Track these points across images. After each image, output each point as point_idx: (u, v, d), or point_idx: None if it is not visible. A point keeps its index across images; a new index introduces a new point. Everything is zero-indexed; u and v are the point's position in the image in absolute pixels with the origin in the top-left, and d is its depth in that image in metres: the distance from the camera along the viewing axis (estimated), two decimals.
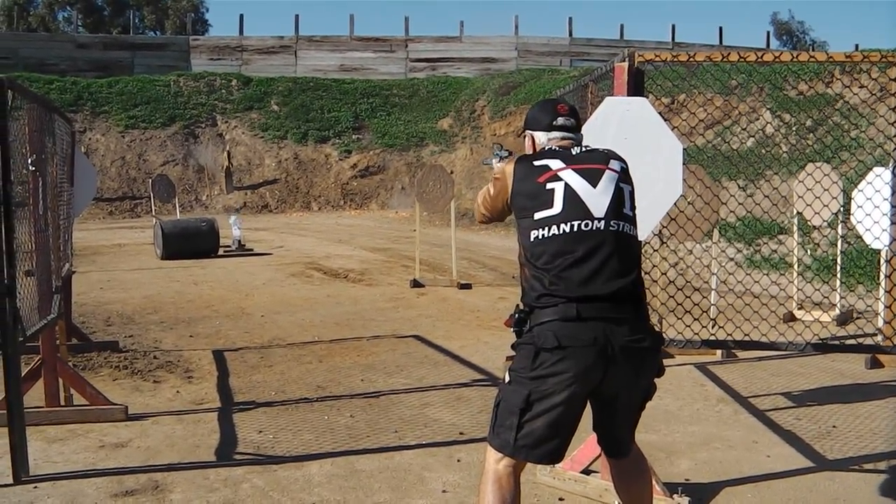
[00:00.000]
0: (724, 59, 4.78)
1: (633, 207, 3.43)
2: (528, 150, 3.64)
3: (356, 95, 30.99)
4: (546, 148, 3.53)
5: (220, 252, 16.38)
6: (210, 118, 29.25)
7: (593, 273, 3.19)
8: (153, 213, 20.79)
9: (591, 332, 3.12)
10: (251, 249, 17.03)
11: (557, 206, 3.26)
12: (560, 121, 3.61)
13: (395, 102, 30.51)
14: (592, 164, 3.38)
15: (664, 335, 3.95)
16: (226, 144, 28.20)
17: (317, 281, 13.07)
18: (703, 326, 7.36)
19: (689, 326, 6.53)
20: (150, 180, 22.20)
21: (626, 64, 4.60)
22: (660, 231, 5.63)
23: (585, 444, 4.81)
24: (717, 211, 7.73)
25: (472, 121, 28.57)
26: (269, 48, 33.89)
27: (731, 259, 11.80)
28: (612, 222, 3.28)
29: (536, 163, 3.39)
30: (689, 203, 5.31)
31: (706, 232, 7.53)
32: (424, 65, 34.19)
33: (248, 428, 6.05)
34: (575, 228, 3.24)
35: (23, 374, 5.52)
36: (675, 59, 4.89)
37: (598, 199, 3.29)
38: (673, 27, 36.80)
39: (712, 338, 7.70)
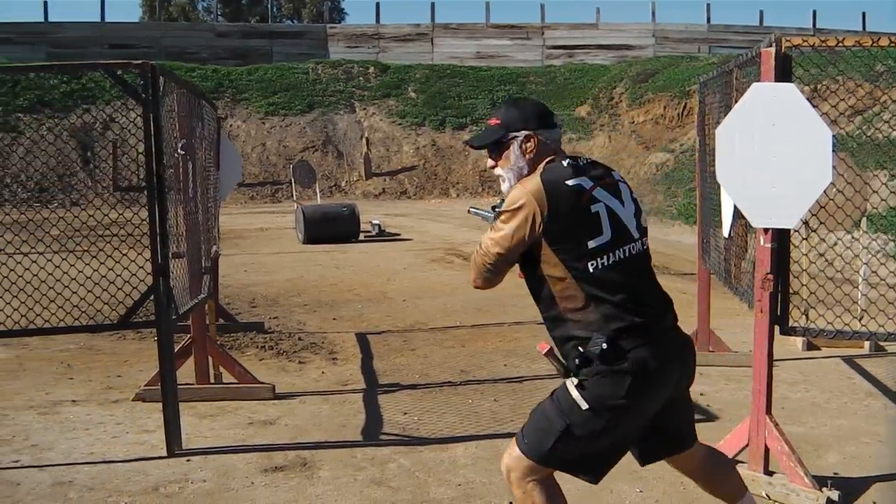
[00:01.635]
0: (874, 44, 4.48)
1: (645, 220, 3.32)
2: (528, 157, 3.19)
3: (493, 83, 30.89)
4: (566, 163, 3.13)
5: (361, 237, 16.55)
6: (348, 105, 29.62)
7: (649, 292, 3.12)
8: (294, 199, 21.19)
9: (671, 348, 3.09)
10: (394, 234, 17.16)
11: (607, 232, 3.02)
12: (553, 114, 3.31)
13: (531, 90, 30.27)
14: (608, 179, 3.14)
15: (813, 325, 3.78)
16: (364, 131, 28.52)
17: (457, 266, 13.05)
18: (853, 317, 7.01)
19: (839, 317, 6.23)
20: (291, 166, 22.64)
21: (772, 49, 4.36)
22: (806, 221, 5.34)
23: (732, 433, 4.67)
24: (866, 200, 7.35)
25: (610, 108, 28.13)
26: (406, 36, 34.09)
27: (881, 250, 11.26)
28: (642, 240, 3.16)
29: (570, 182, 3.03)
30: (837, 191, 5.01)
31: (855, 221, 7.16)
32: (561, 52, 33.80)
33: (392, 409, 6.06)
34: (626, 254, 3.05)
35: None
36: (824, 45, 4.62)
37: (630, 217, 3.11)
38: (814, 13, 35.37)
39: (863, 329, 7.35)
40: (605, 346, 2.95)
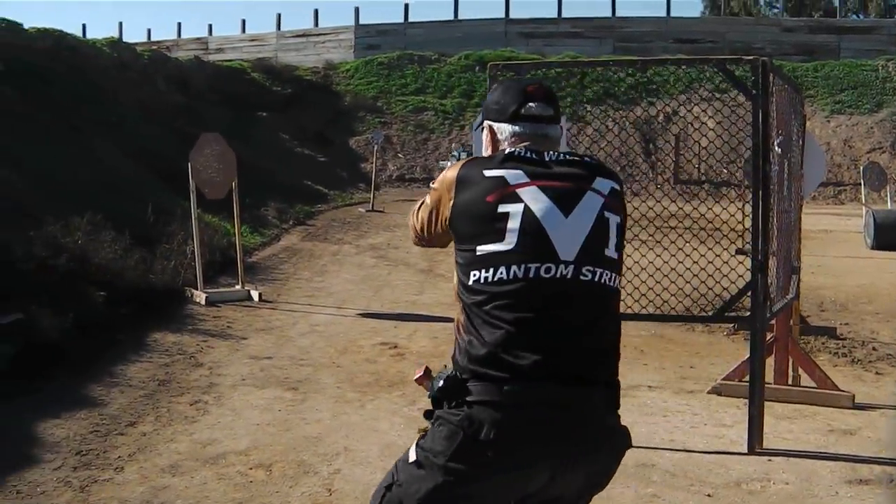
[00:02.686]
0: None
1: (618, 247, 2.47)
2: (487, 151, 2.64)
3: None
4: (509, 151, 2.51)
5: None
6: None
7: (553, 339, 2.31)
8: (862, 202, 20.09)
9: (542, 429, 2.27)
10: None
11: (510, 240, 2.34)
12: (532, 108, 2.56)
13: None
14: (568, 181, 2.44)
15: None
16: None
17: None
18: None
19: None
20: (861, 168, 21.47)
21: None
22: None
23: None
24: None
25: None
26: None
27: None
28: (584, 269, 2.37)
29: (489, 172, 2.43)
30: None
31: None
32: None
33: None
34: (531, 275, 2.33)
35: None
36: None
37: (568, 233, 2.38)
38: None
39: None
40: (442, 382, 2.35)
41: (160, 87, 17.97)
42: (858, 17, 46.19)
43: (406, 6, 31.83)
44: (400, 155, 24.81)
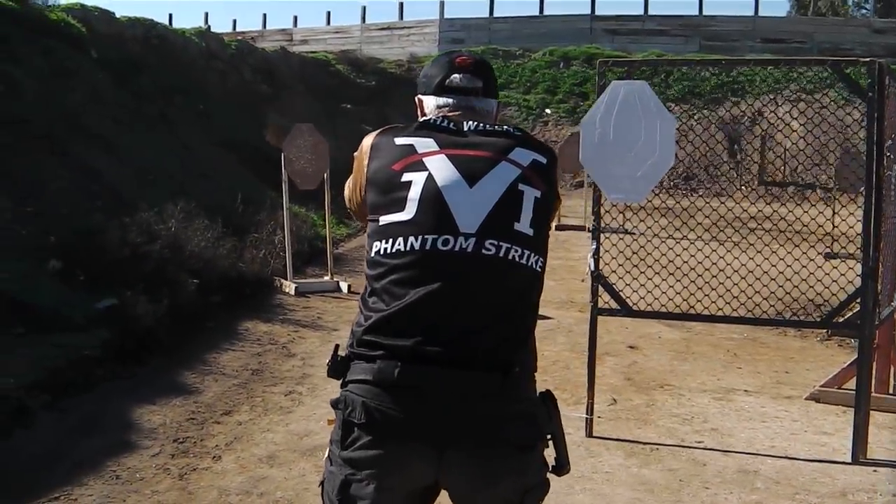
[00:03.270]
0: None
1: (536, 223, 2.21)
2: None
3: None
4: (425, 119, 2.35)
5: None
6: None
7: (439, 318, 2.09)
8: None
9: (414, 409, 2.07)
10: None
11: (409, 210, 2.17)
12: (455, 79, 2.39)
13: None
14: (481, 150, 2.24)
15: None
16: None
17: None
18: None
19: None
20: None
21: None
22: None
23: None
24: None
25: None
26: None
27: None
28: (487, 243, 2.14)
29: (399, 140, 2.27)
30: None
31: None
32: None
33: None
34: (428, 246, 2.14)
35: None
36: None
37: (471, 204, 2.17)
38: None
39: None
40: (332, 357, 2.20)
41: (246, 76, 18.13)
42: None
43: (491, 1, 31.37)
44: None
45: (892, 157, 5.73)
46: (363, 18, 31.95)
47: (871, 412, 5.88)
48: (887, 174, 5.37)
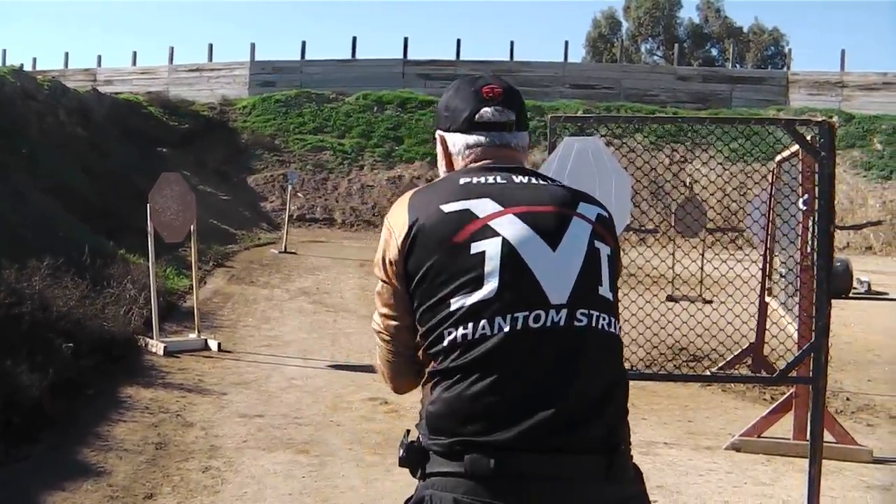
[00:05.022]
0: None
1: (613, 284, 2.04)
2: (442, 167, 2.21)
3: None
4: (464, 175, 2.05)
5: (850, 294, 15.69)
6: None
7: (538, 401, 1.86)
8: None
9: (518, 501, 1.84)
10: (881, 293, 16.13)
11: (490, 286, 1.88)
12: (486, 113, 2.08)
13: None
14: (550, 205, 1.99)
15: None
16: None
17: None
18: None
19: None
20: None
21: None
22: None
23: None
24: None
25: None
26: (872, 84, 32.21)
27: None
28: (578, 313, 1.92)
29: (449, 207, 1.95)
30: None
31: None
32: None
33: None
34: (519, 325, 1.88)
35: None
36: None
37: (557, 270, 1.93)
38: None
39: None
40: (402, 451, 1.96)
41: (62, 118, 17.08)
42: (736, 66, 48.07)
43: (303, 43, 31.12)
44: (300, 194, 24.25)
45: (806, 210, 5.91)
46: (171, 59, 30.94)
47: (794, 459, 6.01)
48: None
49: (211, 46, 32.49)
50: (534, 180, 2.04)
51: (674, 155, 26.34)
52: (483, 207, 1.94)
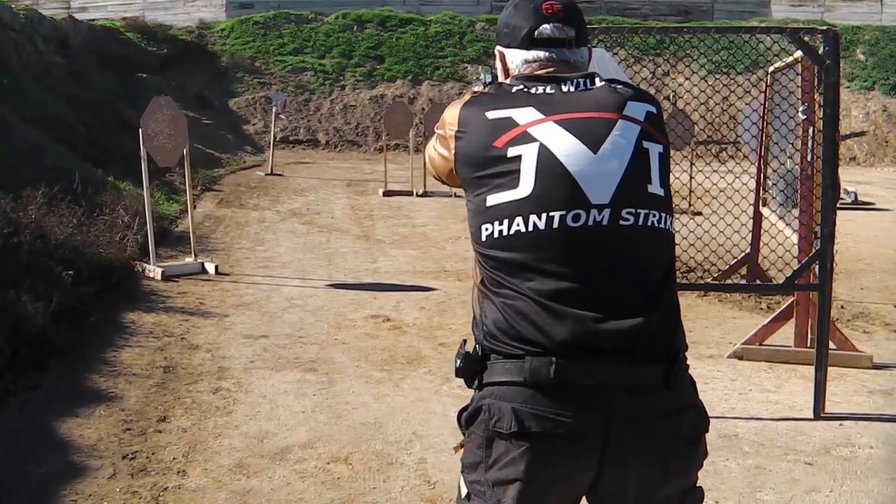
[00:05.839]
0: None
1: (664, 181, 2.04)
2: (504, 79, 2.21)
3: None
4: (518, 83, 2.08)
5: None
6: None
7: (588, 304, 1.88)
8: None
9: (579, 413, 1.87)
10: (867, 203, 16.22)
11: (526, 186, 1.92)
12: (546, 29, 2.09)
13: None
14: (594, 111, 2.00)
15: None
16: None
17: None
18: None
19: None
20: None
21: None
22: None
23: None
24: None
25: None
26: None
27: None
28: (624, 212, 1.93)
29: (493, 114, 2.01)
30: None
31: None
32: None
33: None
34: (555, 225, 1.90)
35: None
36: None
37: (600, 171, 1.94)
38: None
39: None
40: (459, 362, 1.98)
41: (40, 47, 16.75)
42: None
43: None
44: (282, 116, 23.98)
45: (807, 119, 5.89)
46: None
47: (796, 366, 6.09)
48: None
49: None
50: (581, 87, 2.04)
51: (657, 70, 26.24)
52: (525, 115, 1.97)
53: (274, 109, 19.28)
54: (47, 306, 5.76)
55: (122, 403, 5.05)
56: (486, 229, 1.95)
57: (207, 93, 23.73)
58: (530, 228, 1.90)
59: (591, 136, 1.95)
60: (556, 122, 1.96)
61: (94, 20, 24.85)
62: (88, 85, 17.05)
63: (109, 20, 25.25)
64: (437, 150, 2.16)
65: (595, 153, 1.94)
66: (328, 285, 8.27)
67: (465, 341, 2.01)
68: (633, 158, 1.97)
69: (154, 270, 8.15)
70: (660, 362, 1.91)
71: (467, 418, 1.98)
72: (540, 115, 1.97)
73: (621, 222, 1.92)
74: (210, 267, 8.55)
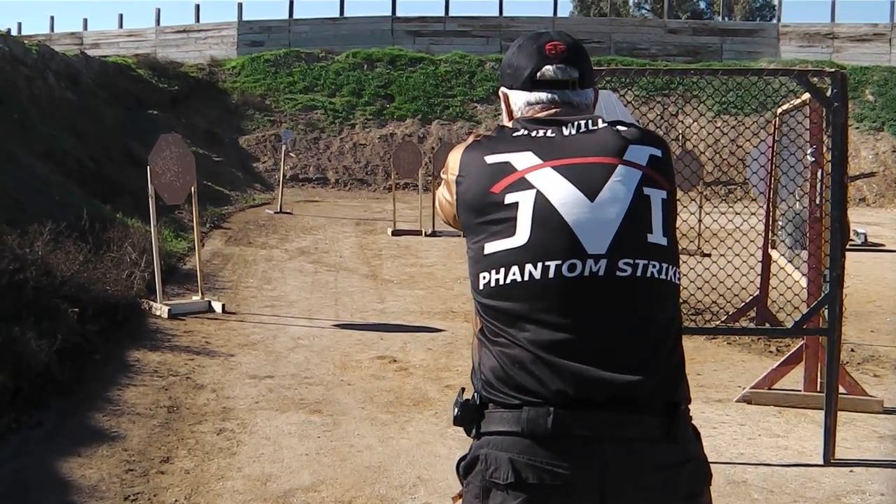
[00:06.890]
0: None
1: (668, 229, 1.97)
2: (506, 123, 2.17)
3: None
4: (520, 126, 2.04)
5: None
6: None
7: (583, 356, 1.84)
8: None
9: (576, 464, 1.83)
10: (877, 244, 16.17)
11: (522, 234, 1.89)
12: (548, 71, 2.06)
13: None
14: (594, 156, 1.95)
15: None
16: None
17: None
18: None
19: None
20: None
21: None
22: None
23: None
24: None
25: None
26: (863, 36, 32.06)
27: None
28: (621, 263, 1.88)
29: (491, 158, 1.97)
30: None
31: None
32: None
33: None
34: (551, 274, 1.87)
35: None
36: None
37: (596, 220, 1.90)
38: None
39: None
40: (457, 410, 1.95)
41: (51, 82, 16.87)
42: (724, 19, 47.83)
43: (291, 2, 30.61)
44: (292, 154, 24.09)
45: (815, 161, 5.87)
46: (157, 20, 30.56)
47: (806, 410, 6.02)
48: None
49: (198, 7, 31.99)
50: (583, 129, 2.00)
51: (665, 111, 26.31)
52: (523, 160, 1.94)
53: (283, 147, 19.34)
54: (51, 343, 5.73)
55: (125, 443, 5.01)
56: (484, 278, 1.93)
57: (217, 130, 23.88)
58: (526, 278, 1.87)
59: (589, 183, 1.91)
60: (554, 167, 1.93)
61: (106, 56, 25.12)
62: (98, 120, 17.17)
63: (121, 56, 25.52)
64: (444, 195, 2.13)
65: (592, 201, 1.90)
66: (335, 325, 8.24)
67: (463, 389, 1.98)
68: (633, 206, 1.92)
69: (161, 308, 8.13)
70: (659, 414, 1.87)
71: (465, 468, 1.94)
72: (538, 161, 1.94)
73: (618, 273, 1.88)
74: (217, 305, 8.53)
